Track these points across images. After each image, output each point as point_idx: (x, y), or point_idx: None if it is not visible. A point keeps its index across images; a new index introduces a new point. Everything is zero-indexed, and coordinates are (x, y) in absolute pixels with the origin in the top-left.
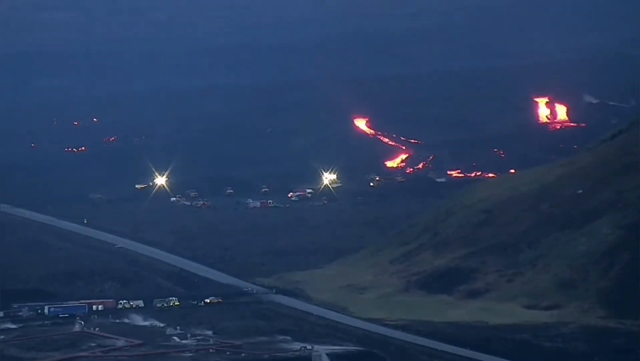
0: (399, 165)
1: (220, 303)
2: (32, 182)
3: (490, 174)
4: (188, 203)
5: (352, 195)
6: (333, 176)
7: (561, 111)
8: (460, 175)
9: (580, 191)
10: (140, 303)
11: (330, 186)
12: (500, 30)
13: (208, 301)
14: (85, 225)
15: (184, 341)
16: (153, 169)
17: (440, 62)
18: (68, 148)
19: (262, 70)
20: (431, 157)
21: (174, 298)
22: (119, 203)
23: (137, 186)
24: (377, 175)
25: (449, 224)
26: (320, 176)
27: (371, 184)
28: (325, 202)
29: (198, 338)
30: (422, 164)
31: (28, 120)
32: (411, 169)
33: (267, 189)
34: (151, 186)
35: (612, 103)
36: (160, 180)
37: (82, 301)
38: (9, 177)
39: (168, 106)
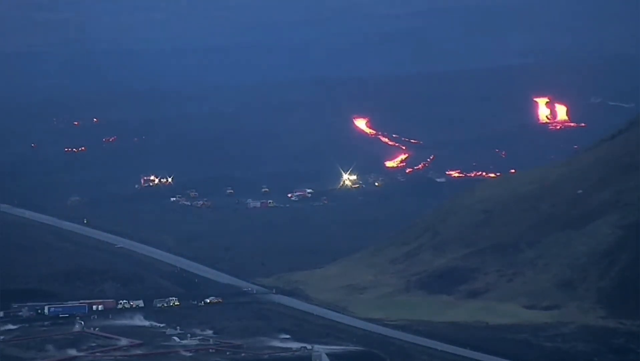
0: (399, 165)
1: (220, 303)
2: (32, 182)
3: (491, 174)
4: (188, 203)
5: (353, 195)
6: (353, 177)
7: (561, 111)
8: (460, 175)
9: (580, 191)
10: (140, 303)
11: (351, 187)
12: (500, 31)
13: (208, 301)
14: (85, 225)
15: (184, 341)
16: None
17: (441, 62)
18: (68, 148)
19: (262, 70)
20: (431, 158)
21: (174, 298)
22: (118, 202)
23: (137, 186)
24: (378, 175)
25: (449, 224)
26: (333, 176)
27: (376, 183)
28: (325, 202)
29: (198, 338)
30: (422, 164)
31: (28, 120)
32: (411, 169)
33: (267, 189)
34: (152, 186)
35: (612, 103)
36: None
37: (82, 301)
38: (9, 177)
39: (168, 106)
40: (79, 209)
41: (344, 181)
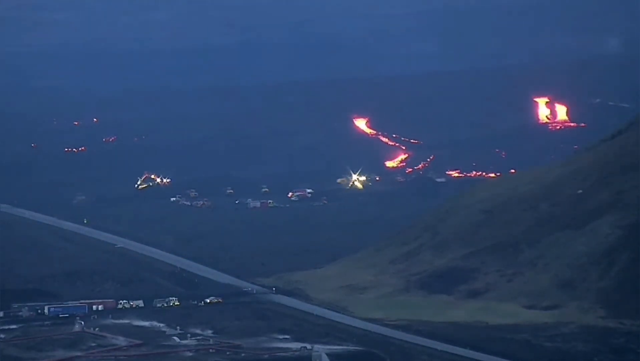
0: (399, 165)
1: (220, 303)
2: (32, 182)
3: (491, 174)
4: (188, 203)
5: (353, 195)
6: (363, 178)
7: (561, 111)
8: (460, 175)
9: (580, 191)
10: (140, 303)
11: (360, 186)
12: (500, 31)
13: (208, 301)
14: (85, 225)
15: (184, 341)
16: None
17: (440, 62)
18: (68, 148)
19: (262, 70)
20: (431, 158)
21: (174, 298)
22: (118, 202)
23: (137, 186)
24: (378, 175)
25: (449, 224)
26: (319, 177)
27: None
28: (325, 202)
29: (198, 338)
30: (422, 164)
31: (28, 120)
32: (411, 169)
33: (267, 189)
34: (152, 185)
35: (612, 103)
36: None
37: (82, 301)
38: (9, 177)
39: (168, 106)
40: (84, 208)
41: (353, 182)
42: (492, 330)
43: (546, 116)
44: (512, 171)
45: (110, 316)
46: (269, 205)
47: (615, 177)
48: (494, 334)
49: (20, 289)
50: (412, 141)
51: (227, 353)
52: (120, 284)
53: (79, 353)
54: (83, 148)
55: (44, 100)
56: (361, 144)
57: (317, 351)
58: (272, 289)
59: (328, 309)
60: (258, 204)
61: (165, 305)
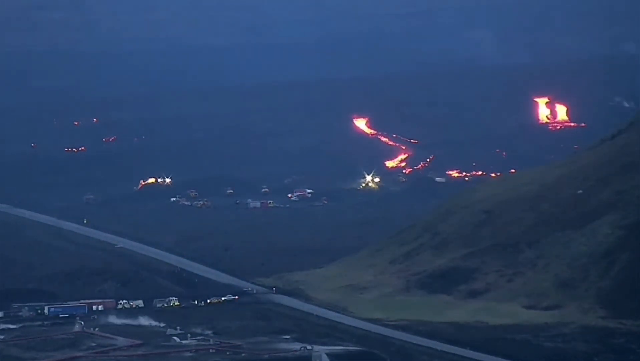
0: (399, 165)
1: (220, 303)
2: (32, 182)
3: (491, 174)
4: (188, 203)
5: (353, 195)
6: (377, 179)
7: (561, 111)
8: (460, 175)
9: (580, 191)
10: (140, 303)
11: (374, 186)
12: (500, 31)
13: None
14: (85, 225)
15: (184, 341)
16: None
17: (440, 62)
18: (68, 148)
19: (262, 70)
20: (431, 158)
21: (174, 298)
22: (118, 203)
23: (136, 187)
24: (378, 175)
25: (449, 224)
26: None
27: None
28: (325, 202)
29: (198, 338)
30: (422, 164)
31: (28, 120)
32: (411, 169)
33: (267, 189)
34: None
35: (612, 103)
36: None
37: (82, 301)
38: (9, 177)
39: (168, 106)
40: (92, 207)
41: (367, 182)
42: (492, 330)
43: (546, 116)
44: (512, 171)
45: (110, 316)
46: (269, 205)
47: (615, 177)
48: (494, 334)
49: (20, 289)
50: (412, 141)
51: (227, 353)
52: (120, 284)
53: (79, 353)
54: (83, 148)
55: (44, 100)
56: (361, 144)
57: (317, 351)
58: (272, 290)
59: (328, 309)
60: (258, 204)
61: (165, 305)
